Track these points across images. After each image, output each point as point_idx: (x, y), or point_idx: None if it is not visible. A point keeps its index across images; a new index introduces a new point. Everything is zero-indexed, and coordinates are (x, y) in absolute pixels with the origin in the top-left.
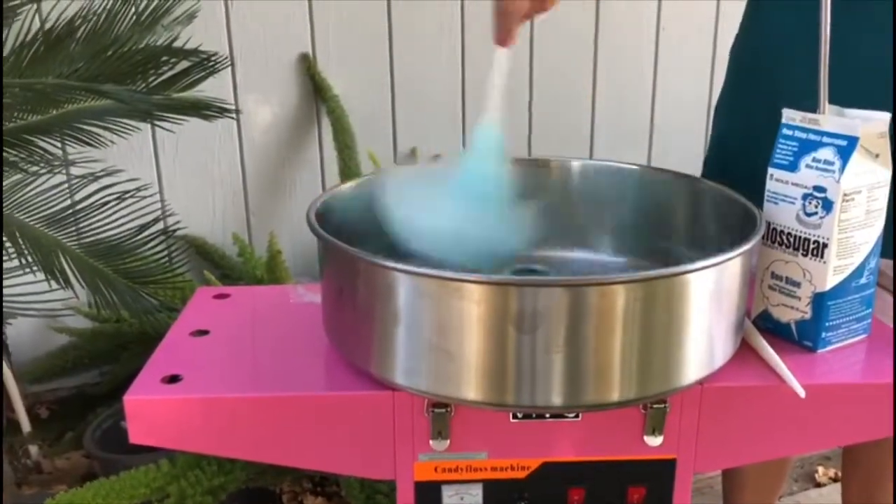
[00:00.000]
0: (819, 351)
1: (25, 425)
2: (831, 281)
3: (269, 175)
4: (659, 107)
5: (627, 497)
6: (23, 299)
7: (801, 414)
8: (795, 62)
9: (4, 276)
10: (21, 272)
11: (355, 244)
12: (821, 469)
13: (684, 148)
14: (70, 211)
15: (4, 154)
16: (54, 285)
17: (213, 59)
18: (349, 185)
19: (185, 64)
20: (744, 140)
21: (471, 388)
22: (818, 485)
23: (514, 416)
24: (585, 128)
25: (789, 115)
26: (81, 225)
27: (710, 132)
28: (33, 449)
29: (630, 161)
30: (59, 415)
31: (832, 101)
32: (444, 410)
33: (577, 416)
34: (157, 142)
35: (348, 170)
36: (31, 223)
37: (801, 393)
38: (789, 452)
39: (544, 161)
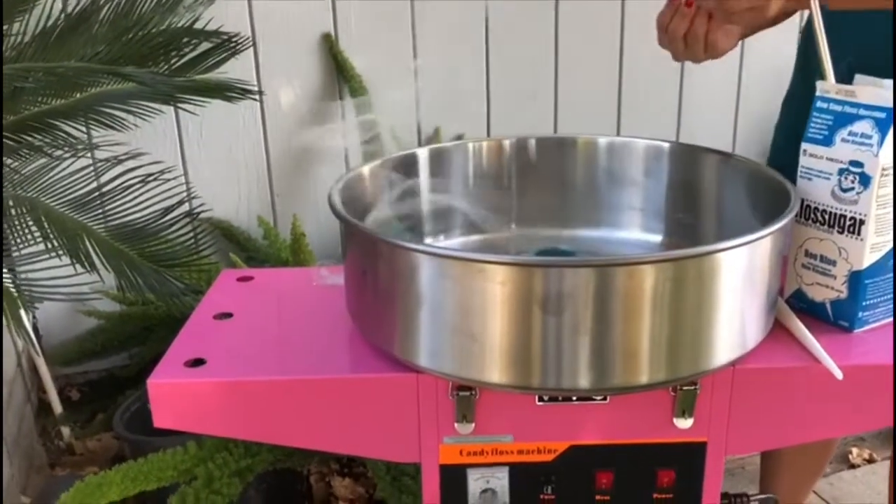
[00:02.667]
0: (855, 331)
1: (57, 407)
2: (868, 259)
3: (293, 157)
4: (687, 83)
5: (656, 480)
6: (50, 283)
7: (836, 396)
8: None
9: (30, 261)
10: (47, 256)
11: (378, 225)
12: (855, 450)
13: (712, 126)
14: (95, 194)
15: (29, 138)
16: (80, 269)
17: (234, 39)
18: (371, 165)
19: (206, 45)
20: None
21: (495, 371)
22: (852, 466)
23: (540, 399)
24: (612, 105)
25: (823, 88)
26: (106, 208)
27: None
28: (65, 430)
29: (658, 137)
30: (90, 397)
31: None
32: (468, 393)
33: (604, 398)
34: (181, 124)
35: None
36: (57, 207)
37: (839, 374)
38: (824, 436)
39: (570, 139)
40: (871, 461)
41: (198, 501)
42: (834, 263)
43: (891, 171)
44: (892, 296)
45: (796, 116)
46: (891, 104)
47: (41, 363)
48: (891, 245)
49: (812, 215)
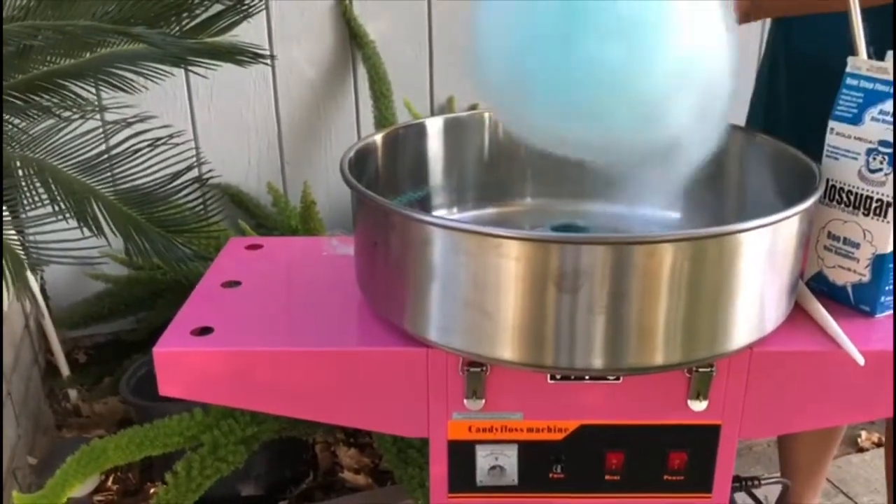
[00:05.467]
0: (877, 316)
1: (64, 369)
2: (894, 242)
3: (304, 123)
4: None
5: (668, 462)
6: (57, 246)
7: (855, 381)
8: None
9: (38, 223)
10: (54, 219)
11: (390, 195)
12: (864, 433)
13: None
14: (104, 157)
15: (37, 99)
16: (87, 233)
17: (247, 2)
18: (384, 133)
19: (218, 7)
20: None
21: (507, 348)
22: (861, 449)
23: (552, 378)
24: None
25: (855, 64)
26: (115, 172)
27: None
28: (72, 393)
29: None
30: (97, 360)
31: None
32: (479, 370)
33: (617, 378)
34: (192, 88)
35: (384, 119)
36: (64, 169)
37: (860, 360)
38: (842, 421)
39: None
40: (879, 445)
41: (203, 468)
42: (858, 246)
43: None
44: None
45: (768, 89)
46: None
47: (49, 325)
48: None
49: (837, 196)
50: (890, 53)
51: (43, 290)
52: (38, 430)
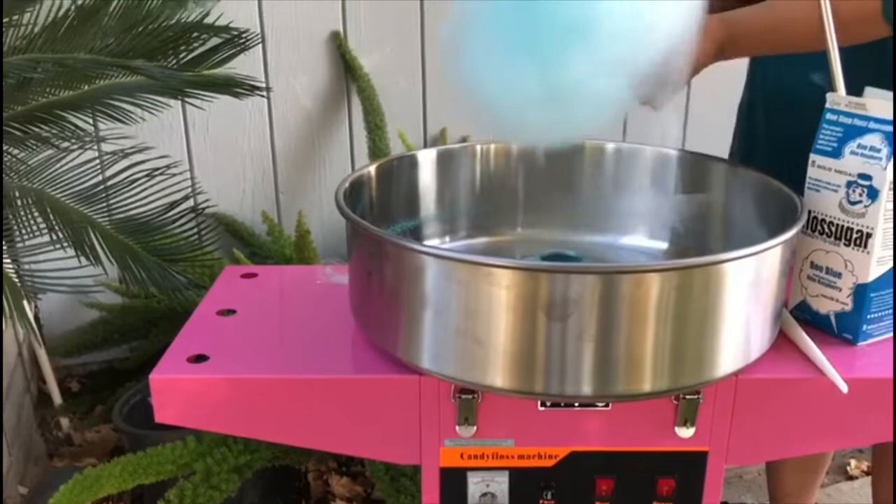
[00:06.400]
0: (859, 344)
1: (57, 398)
2: (874, 272)
3: (299, 153)
4: (694, 89)
5: (656, 489)
6: (53, 275)
7: (839, 409)
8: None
9: (35, 252)
10: (52, 248)
11: (384, 225)
12: (853, 462)
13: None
14: (101, 187)
15: (36, 130)
16: (84, 261)
17: (244, 35)
18: (377, 164)
19: (216, 40)
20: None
21: (498, 375)
22: (850, 478)
23: (543, 405)
24: None
25: (834, 100)
26: (112, 201)
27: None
28: (64, 421)
29: (664, 145)
30: (90, 388)
31: None
32: (471, 397)
33: (606, 405)
34: (188, 119)
35: (378, 150)
36: (63, 199)
37: (844, 387)
38: (826, 448)
39: (578, 144)
40: (868, 473)
41: (196, 496)
42: (839, 276)
43: None
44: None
45: (748, 122)
46: None
47: (42, 353)
48: None
49: (819, 227)
50: (867, 89)
51: (36, 318)
52: (29, 458)
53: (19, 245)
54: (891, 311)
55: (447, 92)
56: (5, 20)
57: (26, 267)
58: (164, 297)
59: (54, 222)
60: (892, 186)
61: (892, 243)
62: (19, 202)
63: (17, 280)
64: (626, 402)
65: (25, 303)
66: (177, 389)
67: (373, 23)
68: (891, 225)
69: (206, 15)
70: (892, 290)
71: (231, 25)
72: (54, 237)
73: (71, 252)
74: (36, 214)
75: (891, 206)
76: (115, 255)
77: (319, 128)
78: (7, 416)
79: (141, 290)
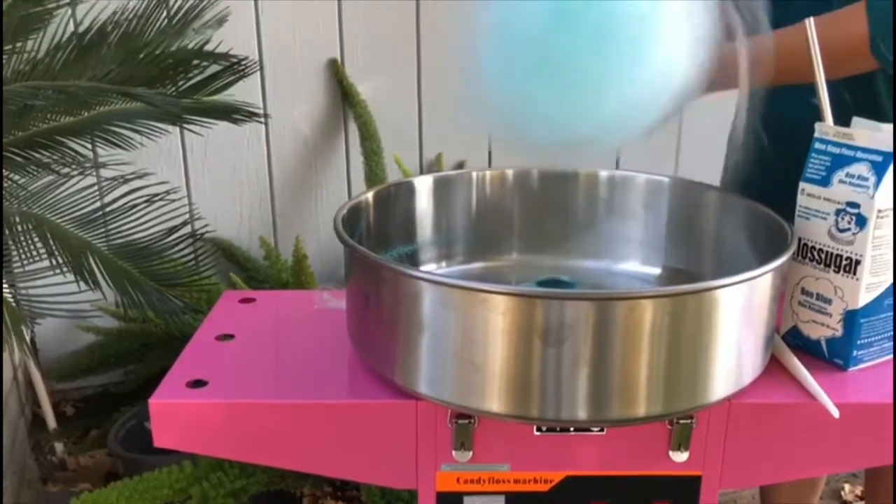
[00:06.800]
0: (850, 369)
1: (51, 422)
2: (864, 298)
3: (296, 179)
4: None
5: None
6: (51, 300)
7: (831, 433)
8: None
9: (33, 277)
10: (51, 273)
11: (381, 250)
12: (847, 486)
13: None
14: (100, 213)
15: (37, 155)
16: (83, 286)
17: (242, 63)
18: (375, 191)
19: (215, 68)
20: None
21: (495, 400)
22: (844, 502)
23: (538, 429)
24: None
25: (822, 130)
26: (111, 227)
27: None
28: (59, 446)
29: (657, 172)
30: (85, 413)
31: None
32: (467, 422)
33: (601, 430)
34: (186, 144)
35: (374, 175)
36: (62, 224)
37: (835, 412)
38: (818, 472)
39: (572, 172)
40: (862, 498)
41: None
42: (830, 302)
43: (887, 214)
44: (886, 335)
45: (736, 149)
46: (886, 147)
47: (37, 377)
48: (885, 285)
49: (809, 254)
50: (855, 119)
51: (32, 342)
52: (22, 483)
53: (18, 270)
54: (880, 336)
55: (443, 118)
56: (8, 47)
57: (24, 292)
58: (161, 322)
59: (54, 247)
60: (879, 215)
61: (881, 270)
62: (19, 227)
63: (14, 305)
64: (621, 426)
65: (23, 327)
66: (176, 414)
67: (370, 50)
68: (879, 252)
69: (206, 43)
70: (881, 316)
71: (230, 53)
72: (54, 262)
73: (69, 277)
74: (36, 239)
75: (880, 232)
76: (113, 280)
77: (316, 153)
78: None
79: (138, 315)
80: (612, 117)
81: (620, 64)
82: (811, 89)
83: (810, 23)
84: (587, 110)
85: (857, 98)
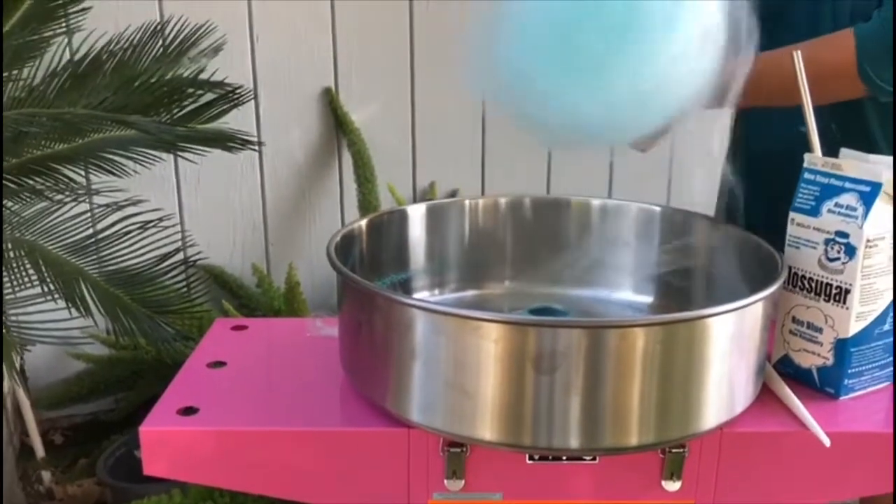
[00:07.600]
0: (841, 398)
1: (39, 451)
2: (854, 327)
3: (290, 206)
4: (679, 143)
5: None
6: (42, 326)
7: (823, 462)
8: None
9: (22, 304)
10: (42, 299)
11: (374, 278)
12: None
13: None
14: (92, 239)
15: (31, 182)
16: (74, 313)
17: (237, 91)
18: (368, 219)
19: (209, 96)
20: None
21: (487, 429)
22: None
23: (531, 458)
24: (604, 166)
25: (811, 160)
26: (103, 253)
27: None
28: (46, 475)
29: (649, 200)
30: (74, 441)
31: None
32: (459, 450)
33: (594, 458)
34: (180, 171)
35: (368, 203)
36: (55, 251)
37: (826, 441)
38: (810, 501)
39: (564, 200)
40: None
41: None
42: (820, 331)
43: (876, 243)
44: (878, 364)
45: (728, 177)
46: (874, 178)
47: (25, 405)
48: (876, 314)
49: (799, 283)
50: (843, 150)
51: (21, 370)
52: None
53: (9, 296)
54: (871, 365)
55: (436, 146)
56: (4, 74)
57: (14, 318)
58: (153, 349)
59: (46, 274)
60: (868, 244)
61: (871, 299)
62: (12, 254)
63: (5, 331)
64: (614, 455)
65: (14, 354)
66: (167, 441)
67: (364, 79)
68: (869, 281)
69: (201, 71)
70: (872, 344)
71: (225, 81)
72: (45, 288)
73: (60, 303)
74: (28, 266)
75: (870, 262)
76: (105, 307)
77: (310, 181)
78: None
79: (129, 342)
80: (621, 108)
81: (636, 56)
82: (795, 117)
83: (798, 55)
84: (598, 96)
85: (846, 128)
